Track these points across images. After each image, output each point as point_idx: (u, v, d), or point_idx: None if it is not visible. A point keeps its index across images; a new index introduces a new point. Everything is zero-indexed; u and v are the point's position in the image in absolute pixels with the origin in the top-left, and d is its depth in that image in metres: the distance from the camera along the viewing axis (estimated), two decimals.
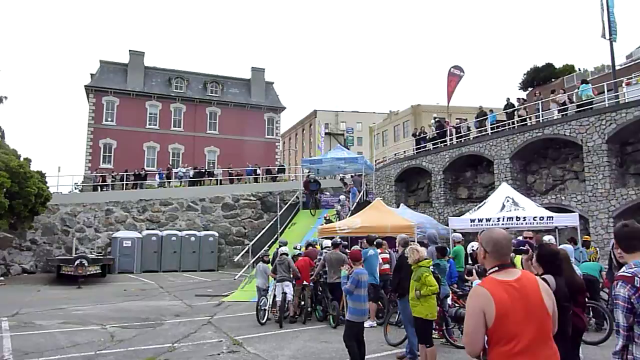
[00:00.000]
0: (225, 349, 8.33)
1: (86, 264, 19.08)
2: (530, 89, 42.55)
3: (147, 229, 26.33)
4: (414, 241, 10.44)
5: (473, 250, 11.30)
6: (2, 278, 21.33)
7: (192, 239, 25.92)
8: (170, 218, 27.74)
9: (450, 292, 8.92)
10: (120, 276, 22.69)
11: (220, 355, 7.84)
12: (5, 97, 33.83)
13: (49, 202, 23.30)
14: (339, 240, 11.20)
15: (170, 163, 39.66)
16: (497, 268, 2.68)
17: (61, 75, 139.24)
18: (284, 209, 22.89)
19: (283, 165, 42.31)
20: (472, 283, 4.14)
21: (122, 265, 23.99)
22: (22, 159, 22.01)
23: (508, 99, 23.13)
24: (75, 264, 18.92)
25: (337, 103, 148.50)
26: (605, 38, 19.83)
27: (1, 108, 33.48)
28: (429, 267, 6.66)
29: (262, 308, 10.81)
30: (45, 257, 24.29)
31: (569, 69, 44.45)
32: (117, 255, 23.97)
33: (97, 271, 20.06)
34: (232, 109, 45.73)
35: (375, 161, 34.60)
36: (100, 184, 30.33)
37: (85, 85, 41.99)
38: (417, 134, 28.42)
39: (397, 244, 8.59)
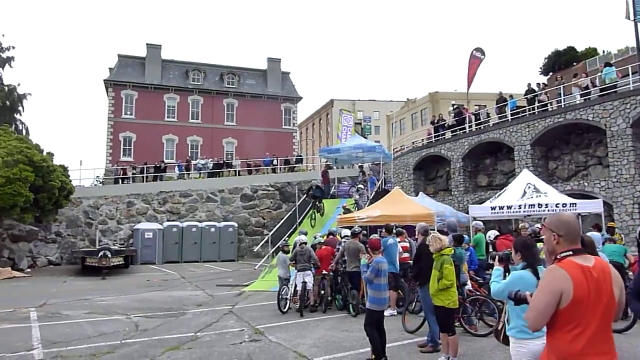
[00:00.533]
0: (247, 337, 8.42)
1: (110, 256, 19.44)
2: (551, 74, 41.68)
3: (168, 221, 26.69)
4: (434, 229, 10.38)
5: (490, 239, 11.18)
6: (29, 270, 21.89)
7: (212, 229, 26.19)
8: (190, 209, 28.05)
9: (469, 280, 8.87)
10: (142, 267, 23.08)
11: (242, 344, 7.92)
12: (30, 94, 34.55)
13: (72, 195, 23.77)
14: (358, 229, 11.19)
15: (189, 155, 40.03)
16: (571, 252, 2.65)
17: (81, 70, 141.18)
18: (302, 199, 22.94)
19: (301, 156, 42.35)
20: (494, 270, 4.08)
21: (144, 257, 24.39)
22: (45, 153, 22.47)
23: (529, 84, 22.71)
24: (99, 255, 19.29)
25: (354, 92, 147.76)
26: (629, 19, 19.27)
27: (25, 104, 34.11)
28: (450, 255, 6.61)
29: (284, 297, 10.90)
30: (69, 249, 24.82)
31: (591, 52, 43.37)
32: (139, 246, 24.37)
33: (120, 262, 20.44)
34: (249, 100, 45.86)
35: (393, 150, 34.41)
36: (121, 176, 30.79)
37: (104, 80, 42.55)
38: (436, 121, 28.15)
39: (416, 233, 8.54)
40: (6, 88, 33.81)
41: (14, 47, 35.35)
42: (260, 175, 32.21)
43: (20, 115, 37.43)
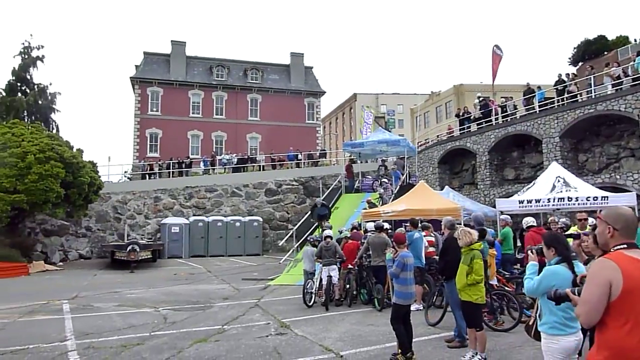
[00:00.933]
0: (273, 331, 8.48)
1: (138, 250, 19.84)
2: (580, 64, 40.50)
3: (194, 215, 27.07)
4: (460, 224, 10.24)
5: (524, 227, 10.79)
6: (61, 263, 22.53)
7: (237, 224, 26.46)
8: (215, 204, 28.38)
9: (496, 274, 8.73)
10: (169, 261, 23.48)
11: (268, 337, 7.99)
12: (59, 92, 35.36)
13: (102, 191, 24.31)
14: (382, 223, 11.12)
15: (214, 150, 40.44)
16: (625, 246, 2.58)
17: (109, 68, 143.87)
18: (326, 194, 22.93)
19: (324, 150, 42.36)
20: (528, 266, 3.97)
21: (171, 251, 24.81)
22: (75, 149, 22.98)
23: (559, 75, 22.11)
24: (128, 249, 19.72)
25: (377, 85, 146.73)
26: None
27: (55, 103, 34.95)
28: (480, 250, 6.52)
29: (309, 291, 10.95)
30: (99, 243, 25.44)
31: (623, 41, 41.94)
32: (167, 240, 24.79)
33: (148, 256, 20.84)
34: (272, 95, 46.02)
35: (418, 143, 34.08)
36: (148, 172, 31.33)
37: (130, 77, 43.26)
38: (461, 114, 27.73)
39: (442, 227, 8.44)
40: (37, 87, 34.70)
41: (43, 47, 36.13)
42: (285, 170, 32.36)
43: (52, 113, 38.38)
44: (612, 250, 2.63)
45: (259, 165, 33.30)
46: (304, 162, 33.70)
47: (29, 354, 7.01)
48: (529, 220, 10.55)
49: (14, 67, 34.31)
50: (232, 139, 43.96)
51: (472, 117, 26.52)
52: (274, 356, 6.86)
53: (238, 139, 43.96)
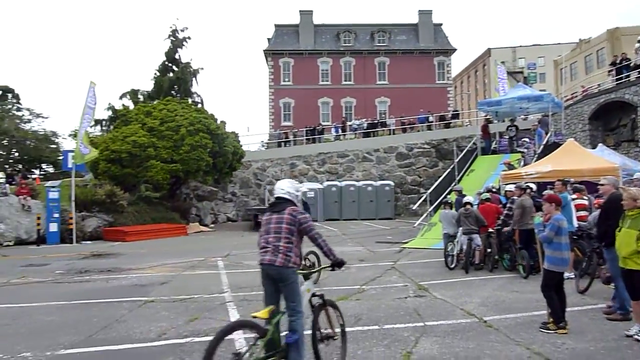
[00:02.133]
0: (412, 293, 8.50)
1: None
2: None
3: (327, 181, 27.97)
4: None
5: None
6: (212, 225, 24.98)
7: (369, 188, 26.78)
8: (347, 169, 28.98)
9: None
10: None
11: (407, 299, 8.03)
12: (202, 68, 38.39)
13: (243, 159, 26.20)
14: (528, 184, 10.36)
15: (344, 116, 41.01)
16: None
17: (244, 43, 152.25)
18: (460, 156, 22.01)
19: (457, 111, 40.51)
20: None
21: None
22: (218, 122, 24.98)
23: None
24: None
25: (513, 38, 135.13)
26: None
27: (199, 78, 38.11)
28: None
29: (450, 254, 10.73)
30: (243, 207, 27.65)
31: None
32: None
33: None
34: (401, 57, 44.97)
35: (563, 98, 30.90)
36: (283, 140, 32.94)
37: (263, 50, 45.33)
38: (618, 62, 24.40)
39: (601, 188, 7.57)
40: (183, 66, 38.07)
41: (187, 28, 39.34)
42: (415, 133, 31.71)
43: (196, 88, 41.94)
44: None
45: (389, 130, 33.04)
46: (435, 125, 32.66)
47: (195, 302, 7.93)
48: None
49: (167, 50, 37.92)
50: (362, 104, 44.12)
51: (631, 65, 23.21)
52: (414, 317, 6.87)
53: (367, 103, 44.00)
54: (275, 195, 4.58)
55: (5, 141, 37.19)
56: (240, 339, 5.32)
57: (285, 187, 4.53)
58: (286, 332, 4.22)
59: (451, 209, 11.64)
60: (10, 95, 46.78)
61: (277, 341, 4.09)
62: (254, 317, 4.00)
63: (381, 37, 45.50)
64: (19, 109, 43.26)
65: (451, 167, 21.63)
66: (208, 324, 6.58)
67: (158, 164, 20.81)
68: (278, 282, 4.32)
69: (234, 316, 6.97)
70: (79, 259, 13.59)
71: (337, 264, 4.48)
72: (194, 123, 22.18)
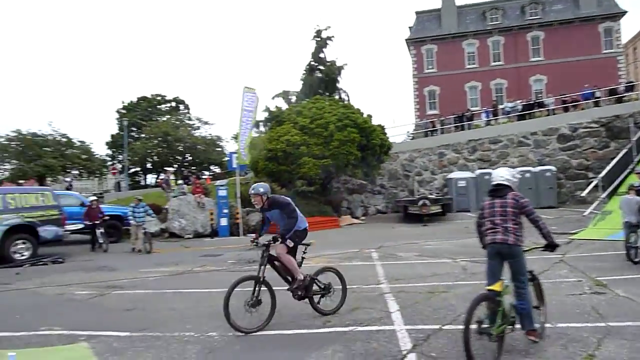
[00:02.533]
0: (588, 289, 7.68)
1: (429, 204, 20.80)
2: None
3: (479, 169, 26.62)
4: None
5: None
6: (363, 217, 25.49)
7: (527, 175, 24.79)
8: (500, 156, 27.25)
9: None
10: (458, 214, 23.81)
11: (583, 296, 7.28)
12: (346, 64, 39.32)
13: (391, 151, 26.22)
14: None
15: (495, 99, 38.63)
16: None
17: (386, 35, 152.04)
18: (639, 134, 19.24)
19: (631, 82, 35.41)
20: None
21: (459, 204, 25.08)
22: (365, 115, 25.32)
23: None
24: (420, 204, 20.89)
25: None
26: None
27: (343, 74, 39.13)
28: None
29: (634, 246, 9.51)
30: (392, 199, 27.69)
31: None
32: (453, 194, 25.18)
33: (438, 210, 21.63)
34: (557, 28, 40.83)
35: None
36: (430, 129, 32.18)
37: (405, 39, 44.77)
38: None
39: None
40: (328, 63, 39.36)
41: (330, 27, 40.52)
42: (579, 111, 28.50)
43: (341, 84, 43.07)
44: None
45: (548, 110, 30.19)
46: (603, 100, 28.98)
47: (354, 292, 8.14)
48: None
49: (313, 50, 39.63)
50: (514, 84, 41.12)
51: None
52: (593, 316, 6.21)
53: (520, 84, 40.88)
54: (494, 182, 5.28)
55: (180, 147, 42.30)
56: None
57: (504, 175, 5.27)
58: (516, 302, 4.92)
59: (637, 194, 10.25)
60: (182, 107, 53.25)
61: (508, 310, 4.81)
62: (489, 290, 4.72)
63: (533, 10, 41.76)
64: (189, 118, 48.92)
65: (627, 147, 19.05)
66: (369, 314, 6.74)
67: (310, 160, 21.85)
68: (508, 258, 4.98)
69: (393, 307, 7.03)
70: (246, 250, 14.94)
71: (552, 245, 5.12)
72: (341, 119, 22.81)
